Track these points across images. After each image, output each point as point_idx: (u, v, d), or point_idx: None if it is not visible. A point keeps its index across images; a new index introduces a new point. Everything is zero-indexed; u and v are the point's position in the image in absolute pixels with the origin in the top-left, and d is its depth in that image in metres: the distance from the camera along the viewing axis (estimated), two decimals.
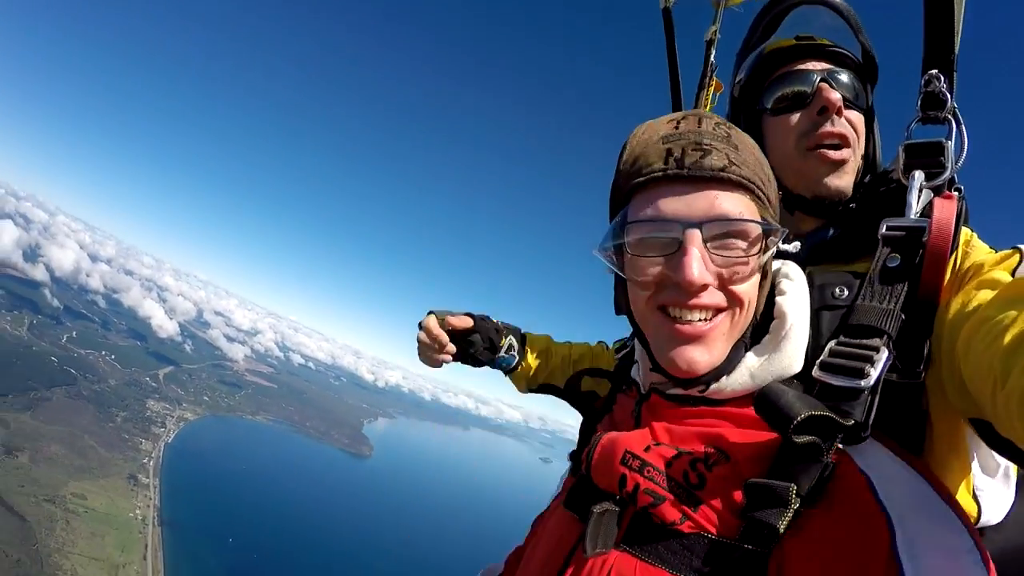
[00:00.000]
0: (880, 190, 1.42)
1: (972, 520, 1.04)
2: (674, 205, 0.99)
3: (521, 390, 2.23)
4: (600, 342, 2.24)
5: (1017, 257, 1.01)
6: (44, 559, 67.82)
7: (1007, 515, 1.16)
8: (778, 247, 1.05)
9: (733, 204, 0.99)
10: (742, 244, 1.00)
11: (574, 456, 1.40)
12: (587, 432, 1.41)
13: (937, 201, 1.12)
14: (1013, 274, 0.99)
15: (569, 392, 2.08)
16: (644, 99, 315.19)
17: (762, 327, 1.08)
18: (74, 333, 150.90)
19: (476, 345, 2.01)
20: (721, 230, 0.99)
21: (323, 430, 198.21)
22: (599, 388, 1.93)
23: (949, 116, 1.38)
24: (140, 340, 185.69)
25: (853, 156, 1.44)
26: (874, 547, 0.78)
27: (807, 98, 1.44)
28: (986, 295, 0.93)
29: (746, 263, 1.00)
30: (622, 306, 1.17)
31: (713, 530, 0.89)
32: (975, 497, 1.09)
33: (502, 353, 2.07)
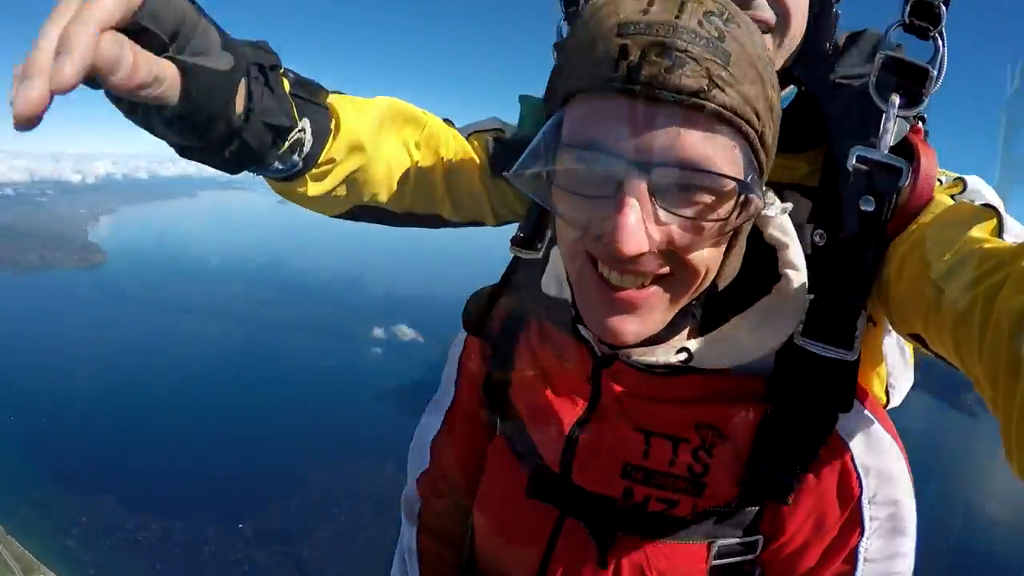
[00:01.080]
0: (833, 80, 1.11)
1: (882, 406, 1.08)
2: (618, 132, 0.71)
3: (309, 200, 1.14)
4: (448, 123, 1.30)
5: (960, 186, 0.99)
6: None
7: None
8: (761, 212, 0.87)
9: (704, 146, 0.71)
10: (707, 200, 0.74)
11: (487, 391, 1.22)
12: (503, 358, 1.18)
13: (922, 148, 0.95)
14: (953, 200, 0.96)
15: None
16: None
17: (747, 291, 0.93)
18: None
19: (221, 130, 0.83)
20: (679, 179, 0.73)
21: (47, 256, 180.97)
22: None
23: (936, 36, 1.03)
24: None
25: (776, 40, 1.12)
26: (843, 505, 0.95)
27: None
28: (924, 218, 0.92)
29: (707, 228, 0.76)
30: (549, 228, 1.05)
31: (718, 503, 0.96)
32: (887, 392, 1.24)
33: (280, 155, 0.95)
